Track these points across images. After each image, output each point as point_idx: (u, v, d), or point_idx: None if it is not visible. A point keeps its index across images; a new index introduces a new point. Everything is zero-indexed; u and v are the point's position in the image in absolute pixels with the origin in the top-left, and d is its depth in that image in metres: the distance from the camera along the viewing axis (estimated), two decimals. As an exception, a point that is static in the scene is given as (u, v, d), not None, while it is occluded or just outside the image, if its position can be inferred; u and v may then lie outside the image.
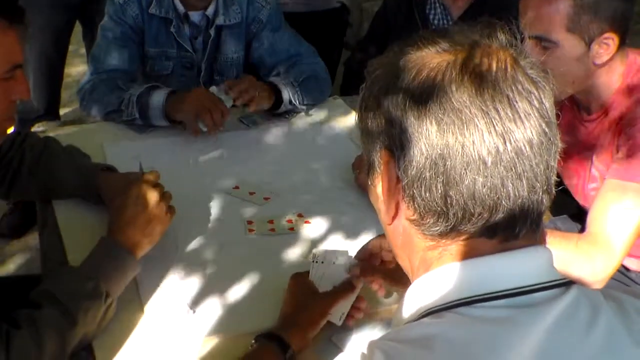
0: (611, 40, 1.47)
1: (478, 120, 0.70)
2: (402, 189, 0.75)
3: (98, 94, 2.03)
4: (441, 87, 0.71)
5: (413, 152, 0.72)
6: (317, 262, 1.29)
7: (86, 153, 1.68)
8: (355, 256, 1.31)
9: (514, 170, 0.71)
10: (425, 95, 0.72)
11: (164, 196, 1.40)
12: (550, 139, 0.73)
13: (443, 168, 0.71)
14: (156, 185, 1.40)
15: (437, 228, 0.74)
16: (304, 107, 2.13)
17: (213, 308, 1.34)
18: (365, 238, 1.55)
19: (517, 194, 0.71)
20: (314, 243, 1.55)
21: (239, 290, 1.39)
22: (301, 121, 2.13)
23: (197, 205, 1.65)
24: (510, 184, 0.71)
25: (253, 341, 1.17)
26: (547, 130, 0.72)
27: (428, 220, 0.75)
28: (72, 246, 1.48)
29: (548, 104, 0.73)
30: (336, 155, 1.92)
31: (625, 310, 0.76)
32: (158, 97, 1.94)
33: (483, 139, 0.70)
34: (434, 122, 0.71)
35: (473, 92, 0.70)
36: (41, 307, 1.16)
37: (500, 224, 0.73)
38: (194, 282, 1.40)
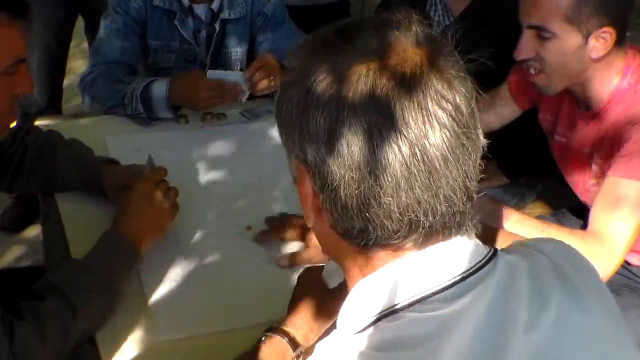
0: (609, 34, 1.47)
1: (390, 140, 0.67)
2: (321, 202, 0.74)
3: (99, 87, 2.02)
4: (351, 105, 0.68)
5: (326, 171, 0.70)
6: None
7: (88, 146, 1.68)
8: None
9: (430, 189, 0.69)
10: (336, 114, 0.68)
11: (169, 193, 1.42)
12: (468, 149, 0.70)
13: (357, 190, 0.69)
14: (162, 182, 1.42)
15: (359, 240, 0.73)
16: None
17: (216, 301, 1.34)
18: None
19: (435, 210, 0.70)
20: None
21: (242, 283, 1.39)
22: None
23: (198, 198, 1.66)
24: (427, 203, 0.69)
25: (262, 337, 1.17)
26: (464, 140, 0.69)
27: (350, 232, 0.73)
28: (74, 239, 1.48)
29: (466, 109, 0.70)
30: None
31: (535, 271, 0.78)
32: (160, 89, 1.94)
33: (396, 160, 0.67)
34: (344, 144, 0.68)
35: (384, 109, 0.67)
36: (44, 299, 1.16)
37: (423, 235, 0.72)
38: (197, 276, 1.40)
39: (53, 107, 2.85)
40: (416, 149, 0.67)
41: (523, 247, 0.84)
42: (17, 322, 1.12)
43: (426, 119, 0.67)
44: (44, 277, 1.24)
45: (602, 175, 1.57)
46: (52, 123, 1.95)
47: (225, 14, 2.15)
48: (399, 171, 0.67)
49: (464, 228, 0.75)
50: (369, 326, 0.73)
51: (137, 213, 1.36)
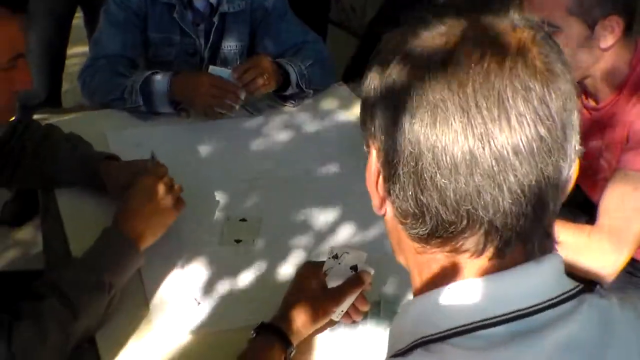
0: (615, 22, 1.45)
1: (454, 118, 0.61)
2: (383, 181, 0.70)
3: (99, 81, 2.01)
4: (421, 77, 0.63)
5: (389, 145, 0.66)
6: (333, 258, 1.23)
7: (88, 141, 1.66)
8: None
9: (492, 179, 0.61)
10: (406, 85, 0.64)
11: (173, 189, 1.40)
12: (548, 145, 0.62)
13: (414, 168, 0.64)
14: (164, 178, 1.40)
15: (416, 230, 0.67)
16: (311, 91, 2.11)
17: (217, 300, 1.33)
18: (373, 227, 1.54)
19: (496, 205, 0.62)
20: (318, 234, 1.53)
21: (242, 283, 1.38)
22: (305, 108, 2.11)
23: (199, 194, 1.64)
24: (488, 194, 0.62)
25: (253, 332, 1.15)
26: (546, 135, 0.62)
27: (408, 220, 0.68)
28: (74, 235, 1.47)
29: (555, 103, 0.62)
30: (341, 143, 1.90)
31: None
32: (161, 83, 1.92)
33: (457, 141, 0.61)
34: (407, 116, 0.63)
35: (455, 85, 0.61)
36: (44, 299, 1.15)
37: (483, 238, 0.64)
38: (197, 275, 1.39)
39: (52, 99, 2.83)
40: (482, 134, 0.61)
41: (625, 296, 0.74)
42: (17, 323, 1.10)
43: (502, 104, 0.61)
44: (43, 276, 1.22)
45: (610, 169, 1.55)
46: (52, 117, 1.93)
47: (224, 8, 2.13)
48: (459, 153, 0.61)
49: (542, 249, 0.67)
50: (405, 351, 0.68)
51: (138, 210, 1.33)
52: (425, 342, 0.66)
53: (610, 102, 1.57)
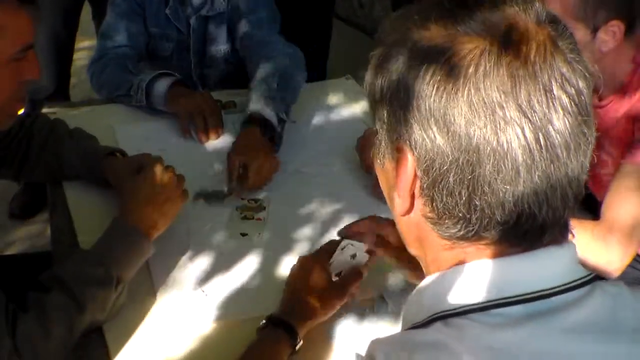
0: (617, 27, 1.46)
1: (514, 121, 0.61)
2: (420, 188, 0.67)
3: (107, 77, 2.01)
4: (473, 82, 0.61)
5: (436, 153, 0.64)
6: (340, 249, 1.25)
7: (93, 135, 1.67)
8: (339, 232, 1.26)
9: (549, 178, 0.63)
10: (454, 90, 0.61)
11: (178, 178, 1.40)
12: (587, 139, 0.64)
13: (470, 175, 0.62)
14: (169, 168, 1.40)
15: (456, 231, 0.67)
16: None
17: (224, 292, 1.33)
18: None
19: (549, 203, 0.64)
20: (324, 227, 1.54)
21: (249, 274, 1.38)
22: (312, 102, 2.11)
23: (206, 186, 1.64)
24: (544, 194, 0.63)
25: (265, 321, 1.15)
26: (585, 130, 0.64)
27: (446, 222, 0.67)
28: (82, 228, 1.48)
29: (587, 96, 0.64)
30: (348, 137, 1.90)
31: None
32: (162, 85, 1.91)
33: (519, 145, 0.61)
34: (463, 124, 0.61)
35: (509, 88, 0.60)
36: (50, 292, 1.15)
37: (527, 232, 0.65)
38: (205, 266, 1.40)
39: (61, 92, 2.85)
40: (539, 134, 0.61)
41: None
42: (21, 315, 1.10)
43: (551, 102, 0.61)
44: (51, 268, 1.23)
45: (613, 164, 1.55)
46: (61, 111, 1.94)
47: (203, 11, 2.10)
48: (520, 156, 0.61)
49: (566, 234, 0.69)
50: (425, 322, 0.69)
51: (148, 200, 1.33)
52: (444, 316, 0.67)
53: (615, 97, 1.56)
